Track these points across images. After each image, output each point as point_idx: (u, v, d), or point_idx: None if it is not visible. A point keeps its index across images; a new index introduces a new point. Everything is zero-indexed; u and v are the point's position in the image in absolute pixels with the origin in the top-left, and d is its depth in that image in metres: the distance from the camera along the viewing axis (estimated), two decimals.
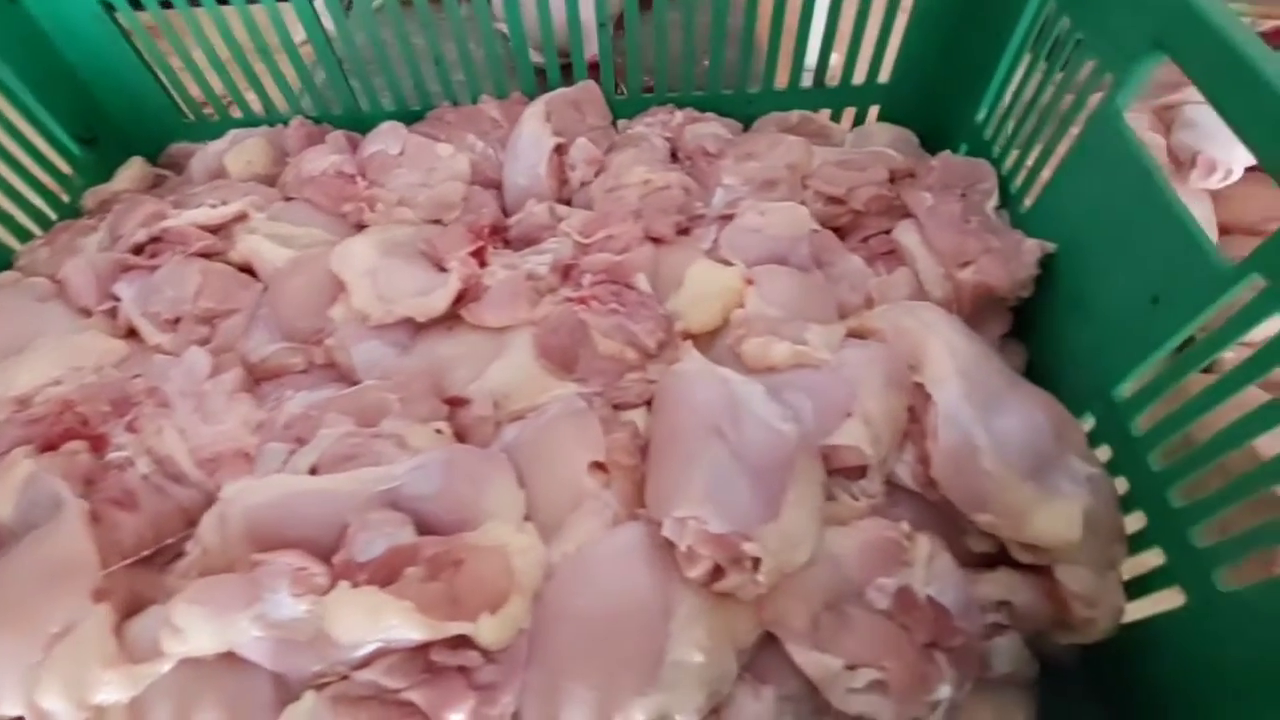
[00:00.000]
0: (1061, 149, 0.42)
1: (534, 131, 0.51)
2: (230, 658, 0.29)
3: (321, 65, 0.54)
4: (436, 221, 0.49)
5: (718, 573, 0.30)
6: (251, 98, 0.56)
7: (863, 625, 0.30)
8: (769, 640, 0.31)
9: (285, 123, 0.56)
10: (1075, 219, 0.41)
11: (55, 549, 0.31)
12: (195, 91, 0.55)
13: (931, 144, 0.53)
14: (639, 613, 0.29)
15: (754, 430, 0.32)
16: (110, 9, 0.49)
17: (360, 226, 0.50)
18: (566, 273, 0.42)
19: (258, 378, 0.42)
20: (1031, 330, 0.43)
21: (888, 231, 0.47)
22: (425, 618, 0.27)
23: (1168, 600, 0.34)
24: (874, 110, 0.58)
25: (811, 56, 0.54)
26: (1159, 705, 0.34)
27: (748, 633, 0.30)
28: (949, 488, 0.33)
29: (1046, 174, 0.44)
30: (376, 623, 0.27)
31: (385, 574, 0.29)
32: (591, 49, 0.54)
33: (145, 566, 0.34)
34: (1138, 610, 0.34)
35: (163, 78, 0.54)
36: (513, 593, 0.29)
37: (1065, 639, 0.34)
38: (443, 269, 0.43)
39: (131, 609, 0.32)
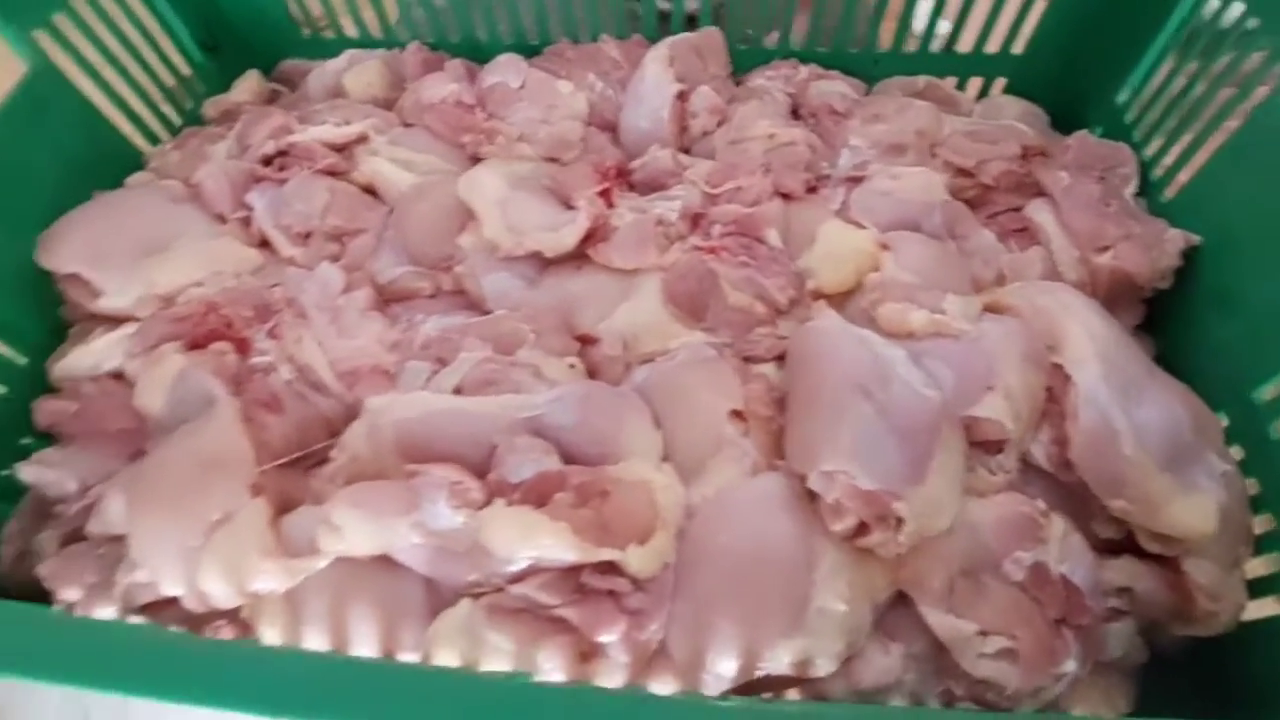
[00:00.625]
0: (1214, 141, 0.41)
1: (657, 75, 0.49)
2: (384, 560, 0.30)
3: None
4: (553, 160, 0.49)
5: (860, 529, 0.30)
6: (369, 17, 0.55)
7: (997, 594, 0.31)
8: (901, 600, 0.32)
9: (401, 46, 0.55)
10: (1228, 213, 0.40)
11: (212, 442, 0.32)
12: (315, 7, 0.55)
13: (1060, 123, 0.51)
14: (783, 559, 0.29)
15: (900, 393, 0.32)
16: None
17: (476, 159, 0.49)
18: (695, 221, 0.42)
19: (386, 299, 0.42)
20: (1164, 324, 0.42)
21: (1017, 209, 0.46)
22: (579, 540, 0.28)
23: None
24: (999, 82, 0.56)
25: (944, 23, 0.52)
26: (1262, 704, 0.34)
27: (882, 590, 0.31)
28: (1086, 470, 0.33)
29: (1193, 166, 0.42)
30: (533, 540, 0.28)
31: (537, 496, 0.30)
32: None
33: (290, 469, 0.35)
34: (1255, 610, 0.35)
35: None
36: (658, 527, 0.30)
37: (1181, 630, 0.34)
38: (569, 206, 0.43)
39: (282, 508, 0.33)
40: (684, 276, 0.39)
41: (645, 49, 0.53)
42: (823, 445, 0.30)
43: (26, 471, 0.37)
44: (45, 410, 0.39)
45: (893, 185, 0.42)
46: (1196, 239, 0.41)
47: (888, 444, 0.30)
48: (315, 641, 0.30)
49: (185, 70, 0.51)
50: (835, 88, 0.50)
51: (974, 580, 0.31)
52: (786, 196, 0.43)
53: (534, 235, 0.40)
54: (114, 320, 0.40)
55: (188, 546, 0.30)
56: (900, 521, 0.30)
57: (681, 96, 0.50)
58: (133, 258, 0.39)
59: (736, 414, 0.33)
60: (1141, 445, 0.33)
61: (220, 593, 0.30)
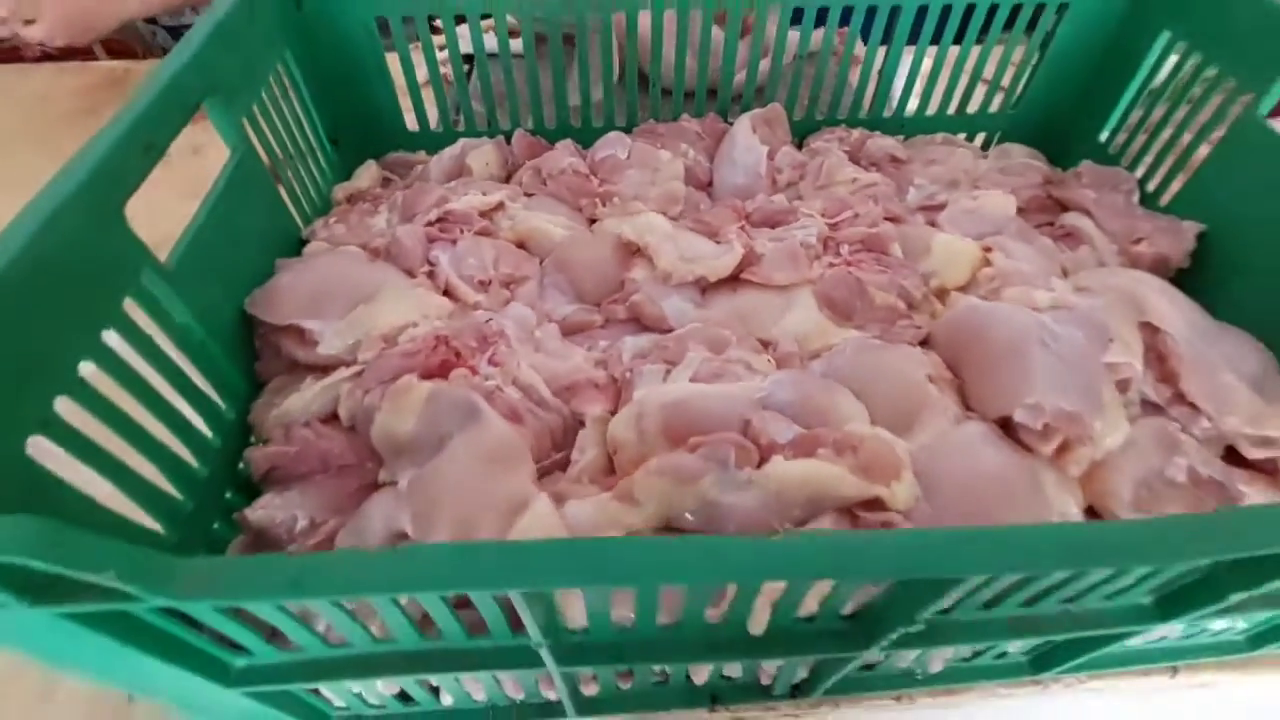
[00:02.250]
0: (1197, 156, 0.54)
1: (747, 140, 0.59)
2: (666, 532, 0.33)
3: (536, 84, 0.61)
4: (661, 214, 0.56)
5: (1063, 448, 0.36)
6: (478, 110, 0.62)
7: (1171, 494, 0.37)
8: (1089, 515, 0.37)
9: (500, 134, 0.62)
10: (1224, 204, 0.51)
11: (490, 444, 0.35)
12: (430, 106, 0.62)
13: (1055, 161, 0.64)
14: (1017, 478, 0.35)
15: (1063, 343, 0.39)
16: (383, 26, 0.56)
17: (593, 220, 0.56)
18: (825, 244, 0.49)
19: (563, 333, 0.47)
20: (1192, 296, 0.53)
21: (1050, 223, 0.57)
22: (857, 478, 0.33)
23: None
24: (998, 134, 0.69)
25: (957, 92, 0.65)
26: None
27: (1081, 505, 0.37)
28: (1199, 396, 0.41)
29: (1180, 177, 0.55)
30: (820, 483, 0.32)
31: (804, 452, 0.34)
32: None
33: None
34: None
35: (404, 95, 0.60)
36: (902, 468, 0.35)
37: None
38: (717, 241, 0.50)
39: None
40: (835, 285, 0.46)
41: (721, 124, 0.63)
42: (1021, 384, 0.37)
43: (255, 516, 0.38)
44: (263, 456, 0.40)
45: (975, 204, 0.52)
46: (1204, 226, 0.52)
47: (1068, 380, 0.37)
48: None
49: (322, 161, 0.56)
50: (888, 143, 0.61)
51: (1149, 487, 0.37)
52: (893, 220, 0.51)
53: (702, 262, 0.46)
54: (321, 369, 0.42)
55: (492, 537, 0.32)
56: (1092, 439, 0.36)
57: (769, 155, 0.59)
58: (345, 308, 0.42)
59: (930, 378, 0.39)
60: (1234, 371, 0.42)
61: None
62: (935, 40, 0.60)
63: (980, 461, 0.36)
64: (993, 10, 0.60)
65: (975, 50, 0.62)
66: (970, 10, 0.59)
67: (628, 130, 0.64)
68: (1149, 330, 0.44)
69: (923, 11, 0.59)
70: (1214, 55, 0.51)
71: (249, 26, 0.46)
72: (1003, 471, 0.35)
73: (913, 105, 0.66)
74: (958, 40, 0.61)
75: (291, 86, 0.52)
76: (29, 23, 0.76)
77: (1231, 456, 0.42)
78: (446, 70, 0.71)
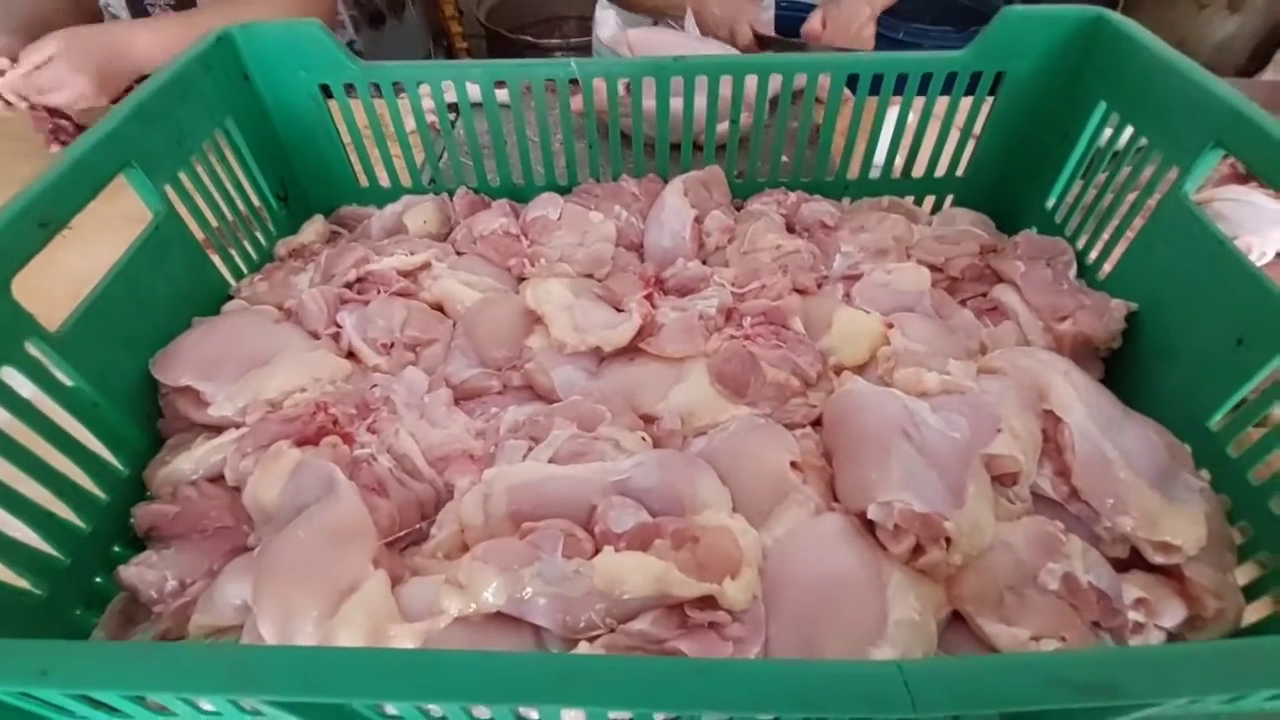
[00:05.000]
0: (1131, 230, 0.52)
1: (676, 204, 0.59)
2: (497, 619, 0.33)
3: (485, 147, 0.63)
4: (588, 276, 0.57)
5: (916, 551, 0.35)
6: (420, 169, 0.65)
7: (1040, 603, 0.35)
8: (954, 619, 0.36)
9: (449, 192, 0.64)
10: (1153, 282, 0.49)
11: (337, 519, 0.36)
12: (377, 164, 0.64)
13: (1003, 226, 0.63)
14: (858, 580, 0.34)
15: (931, 434, 0.38)
16: (326, 93, 0.59)
17: (521, 279, 0.57)
18: (729, 315, 0.49)
19: (459, 397, 0.47)
20: (1121, 376, 0.50)
21: (983, 294, 0.55)
22: (684, 576, 0.32)
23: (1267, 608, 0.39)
24: (948, 198, 0.68)
25: (900, 157, 0.64)
26: None
27: (941, 608, 0.35)
28: (1091, 494, 0.39)
29: (1119, 249, 0.53)
30: (644, 578, 0.32)
31: (639, 543, 0.34)
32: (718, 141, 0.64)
33: (389, 549, 0.38)
34: (1250, 614, 0.39)
35: (351, 151, 0.63)
36: (744, 564, 0.34)
37: (1195, 635, 0.39)
38: (619, 309, 0.50)
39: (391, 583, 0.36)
40: (728, 360, 0.46)
41: (659, 185, 0.64)
42: (877, 481, 0.36)
43: (127, 574, 0.39)
44: (146, 514, 0.41)
45: (888, 278, 0.51)
46: (1134, 305, 0.50)
47: (929, 476, 0.36)
48: None
49: (265, 216, 0.59)
50: (822, 207, 0.61)
51: (1017, 593, 0.35)
52: (801, 292, 0.51)
53: (596, 332, 0.47)
54: (215, 429, 0.44)
55: (318, 616, 0.33)
56: (950, 541, 0.35)
57: (697, 219, 0.59)
58: (240, 371, 0.44)
59: (795, 465, 0.39)
60: (1132, 468, 0.40)
61: None
62: (874, 93, 0.60)
63: (828, 559, 0.35)
64: (929, 76, 0.59)
65: (918, 112, 0.61)
66: (905, 76, 0.59)
67: (569, 189, 0.65)
68: (1051, 419, 0.43)
69: (879, 78, 0.59)
70: (1144, 128, 0.50)
71: (180, 102, 0.48)
72: (848, 571, 0.34)
73: (855, 168, 0.65)
74: (898, 94, 0.60)
75: (232, 150, 0.55)
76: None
77: (1141, 560, 0.39)
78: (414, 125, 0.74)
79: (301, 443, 0.40)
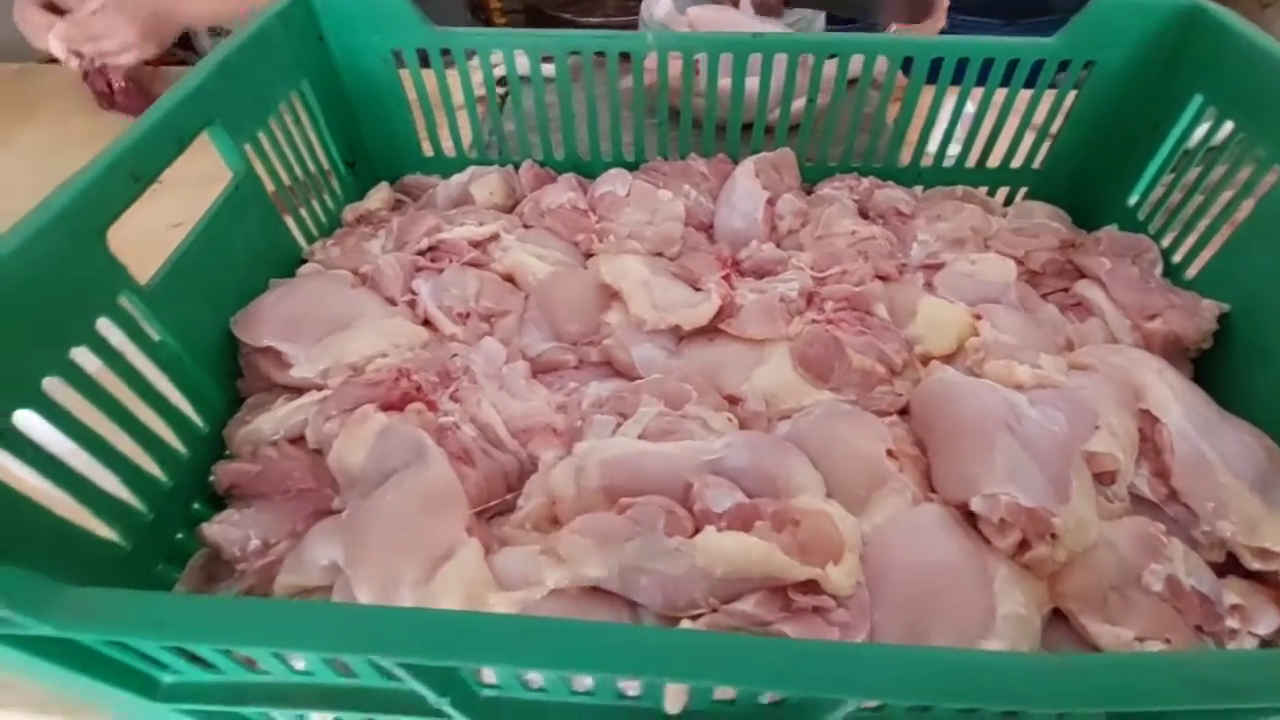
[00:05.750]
0: (1226, 228, 0.50)
1: (748, 185, 0.58)
2: (592, 593, 0.33)
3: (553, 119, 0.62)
4: (658, 255, 0.56)
5: (1021, 546, 0.34)
6: (486, 140, 0.64)
7: (1144, 604, 0.34)
8: (1055, 617, 0.35)
9: (514, 164, 0.64)
10: (1248, 283, 0.48)
11: (429, 485, 0.35)
12: (443, 131, 0.63)
13: (1079, 222, 0.61)
14: (964, 571, 0.33)
15: (1032, 427, 0.37)
16: (398, 58, 0.58)
17: (588, 254, 0.56)
18: (809, 299, 0.48)
19: (534, 371, 0.47)
20: (1211, 378, 0.49)
21: (1065, 290, 0.54)
22: (789, 559, 0.31)
23: None
24: (1022, 190, 0.66)
25: (976, 147, 0.63)
26: None
27: (1044, 604, 0.34)
28: (1191, 496, 0.38)
29: (1209, 249, 0.51)
30: (749, 559, 0.31)
31: (739, 524, 0.33)
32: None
33: (477, 518, 0.38)
34: None
35: (419, 119, 0.62)
36: (845, 549, 0.33)
37: None
38: (695, 289, 0.49)
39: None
40: (811, 344, 0.45)
41: (728, 165, 0.63)
42: (980, 472, 0.35)
43: (211, 531, 0.39)
44: (227, 472, 0.41)
45: (972, 268, 0.50)
46: (1226, 306, 0.48)
47: (1033, 469, 0.35)
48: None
49: (334, 181, 0.58)
50: (897, 194, 0.59)
51: (1121, 593, 0.35)
52: (883, 279, 0.50)
53: (676, 311, 0.46)
54: (295, 390, 0.44)
55: (413, 581, 0.32)
56: (1055, 536, 0.34)
57: (770, 201, 0.58)
58: (320, 333, 0.44)
59: (890, 453, 0.38)
60: (1233, 471, 0.39)
61: None
62: (956, 83, 0.59)
63: (931, 549, 0.34)
64: (1015, 63, 0.58)
65: (999, 101, 0.60)
66: (991, 61, 0.57)
67: (635, 166, 0.64)
68: (1147, 419, 0.42)
69: (961, 63, 0.57)
70: (1245, 123, 0.48)
71: (260, 60, 0.48)
72: (952, 562, 0.33)
73: (932, 154, 0.64)
74: (980, 83, 0.59)
75: (306, 112, 0.54)
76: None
77: (1236, 565, 0.38)
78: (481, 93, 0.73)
79: (386, 408, 0.40)
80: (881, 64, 0.59)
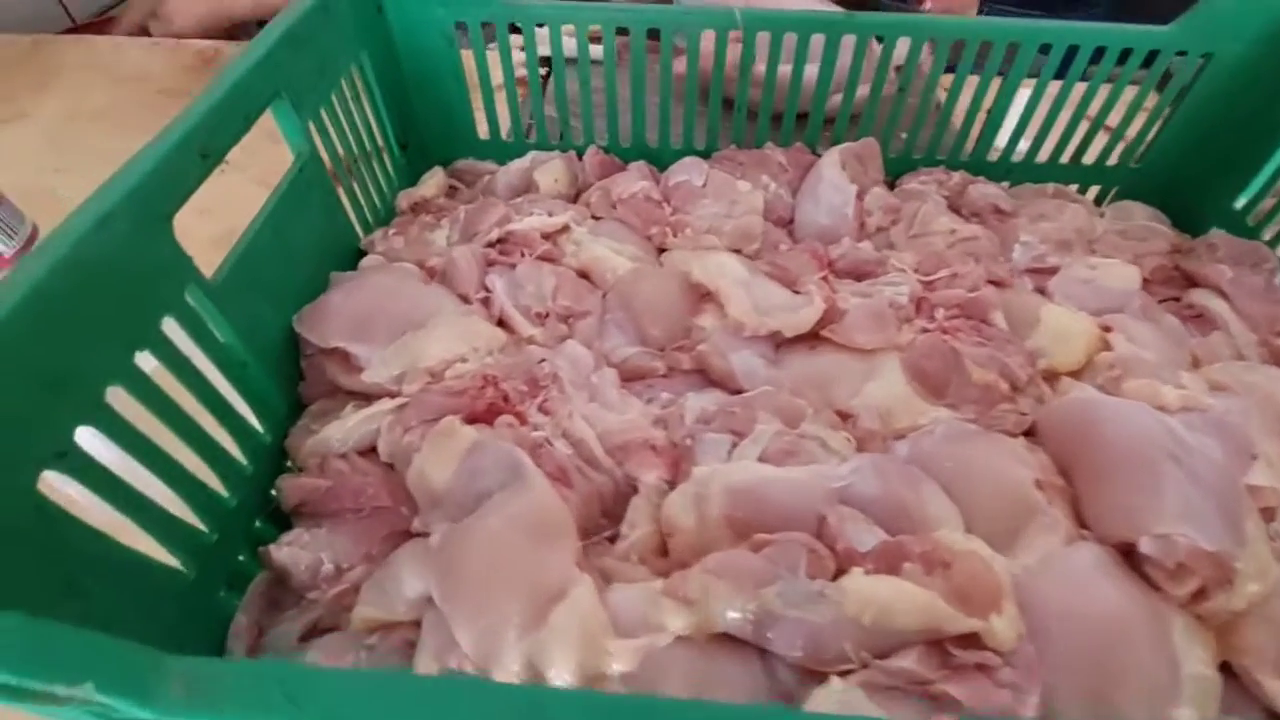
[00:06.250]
0: None
1: (835, 177, 0.54)
2: (721, 640, 0.29)
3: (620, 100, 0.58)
4: (735, 251, 0.52)
5: (1198, 594, 0.31)
6: (547, 123, 0.59)
7: None
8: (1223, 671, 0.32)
9: (578, 150, 0.59)
10: None
11: (533, 512, 0.32)
12: (502, 113, 0.59)
13: (1178, 225, 0.57)
14: (1140, 625, 0.29)
15: (1199, 459, 0.33)
16: (461, 28, 0.54)
17: (662, 249, 0.53)
18: (919, 305, 0.44)
19: (620, 378, 0.43)
20: None
21: (1175, 299, 0.50)
22: (953, 609, 0.28)
23: None
24: (1113, 189, 0.62)
25: (1073, 141, 0.59)
26: None
27: (1215, 660, 0.31)
28: None
29: None
30: (909, 608, 0.28)
31: (887, 565, 0.30)
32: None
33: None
34: None
35: (477, 98, 0.58)
36: (1003, 596, 0.30)
37: None
38: (794, 290, 0.45)
39: None
40: (928, 355, 0.41)
41: (807, 155, 0.58)
42: (1146, 508, 0.31)
43: (279, 554, 0.36)
44: (295, 488, 0.37)
45: (1092, 274, 0.46)
46: None
47: (1208, 508, 0.32)
48: None
49: (389, 166, 0.54)
50: (993, 190, 0.55)
51: None
52: (995, 284, 0.46)
53: (778, 315, 0.42)
54: (364, 396, 0.40)
55: (520, 625, 0.29)
56: (1232, 583, 0.30)
57: (858, 196, 0.54)
58: (393, 334, 0.40)
59: (1039, 484, 0.34)
60: None
61: (564, 679, 0.28)
62: (1059, 77, 0.55)
63: (1095, 596, 0.30)
64: (1125, 54, 0.54)
65: (1103, 94, 0.55)
66: (1100, 52, 0.53)
67: (706, 155, 0.60)
68: None
69: (1044, 49, 0.53)
70: None
71: (324, 29, 0.43)
72: (1122, 613, 0.30)
73: (1022, 149, 0.59)
74: (1083, 78, 0.55)
75: (364, 89, 0.50)
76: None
77: None
78: (524, 74, 0.68)
79: (471, 419, 0.36)
80: (982, 48, 0.54)
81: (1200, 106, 0.56)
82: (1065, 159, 0.60)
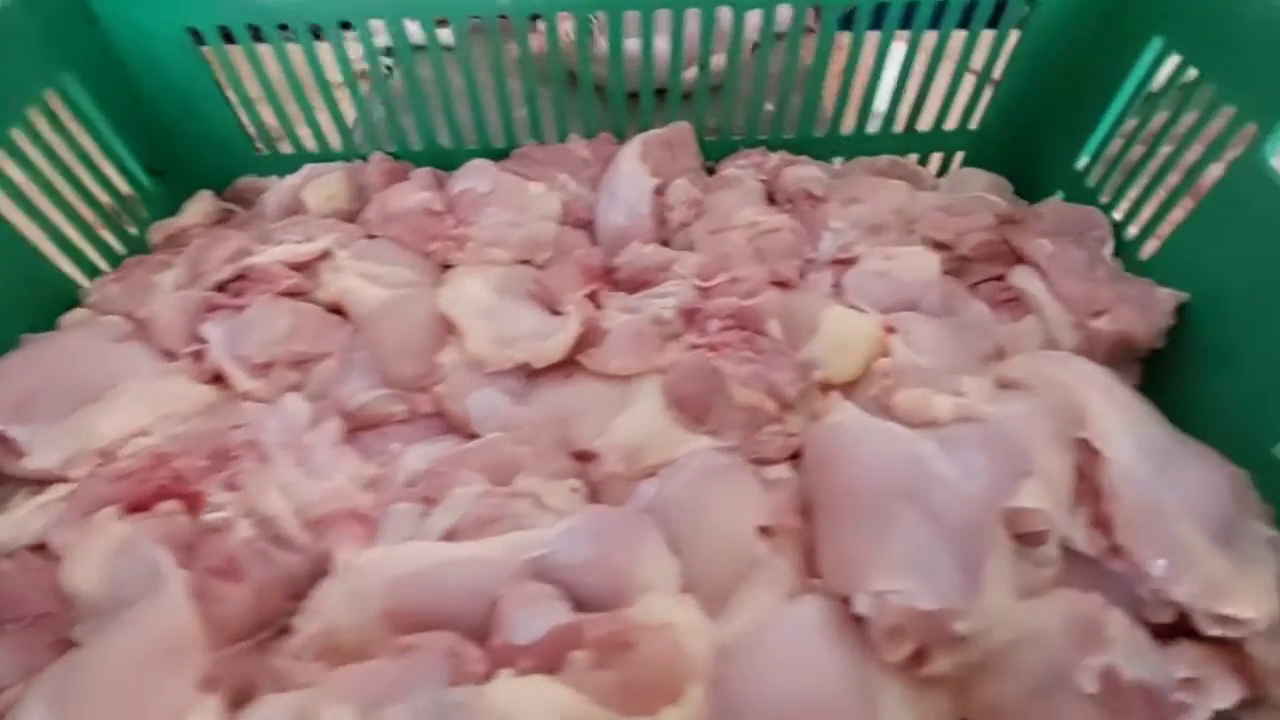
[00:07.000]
0: (1188, 199, 0.42)
1: (632, 171, 0.49)
2: None
3: (404, 100, 0.52)
4: (525, 262, 0.47)
5: (918, 657, 0.27)
6: (328, 130, 0.54)
7: (1073, 713, 0.27)
8: None
9: (363, 158, 0.54)
10: (1213, 267, 0.40)
11: (156, 630, 0.27)
12: (271, 122, 0.53)
13: (1022, 191, 0.53)
14: (839, 703, 0.26)
15: (942, 492, 0.29)
16: (198, 37, 0.47)
17: (446, 266, 0.47)
18: (690, 317, 0.40)
19: (355, 427, 0.39)
20: (1161, 383, 0.41)
21: (998, 278, 0.46)
22: (605, 711, 0.24)
23: None
24: (958, 156, 0.57)
25: (904, 106, 0.53)
26: None
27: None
28: (1138, 553, 0.31)
29: (1168, 224, 0.43)
30: (548, 716, 0.24)
31: (550, 659, 0.26)
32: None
33: (244, 649, 0.30)
34: None
35: (239, 107, 0.52)
36: (689, 680, 0.26)
37: (1251, 717, 0.31)
38: (555, 311, 0.41)
39: (240, 698, 0.28)
40: (688, 378, 0.36)
41: (613, 146, 0.53)
42: (869, 562, 0.27)
43: None
44: None
45: (888, 266, 0.41)
46: (1185, 295, 0.40)
47: (939, 553, 0.28)
48: None
49: (135, 198, 0.48)
50: (809, 172, 0.50)
51: (1044, 699, 0.28)
52: (781, 285, 0.41)
53: (522, 346, 0.37)
54: (38, 483, 0.35)
55: None
56: (962, 640, 0.27)
57: (658, 190, 0.49)
58: (66, 409, 0.35)
59: (764, 529, 0.30)
60: (1191, 520, 0.31)
61: None
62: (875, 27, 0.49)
63: (803, 666, 0.27)
64: (943, 7, 0.48)
65: (928, 45, 0.50)
66: (916, 4, 0.48)
67: (507, 154, 0.54)
68: (1087, 450, 0.34)
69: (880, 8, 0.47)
70: (1213, 72, 0.39)
71: None
72: (832, 684, 0.26)
73: (850, 121, 0.54)
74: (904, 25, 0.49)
75: (74, 116, 0.44)
76: None
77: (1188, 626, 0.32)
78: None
79: (135, 508, 0.32)
80: (785, 13, 0.49)
81: (1033, 58, 0.51)
82: (898, 127, 0.55)
